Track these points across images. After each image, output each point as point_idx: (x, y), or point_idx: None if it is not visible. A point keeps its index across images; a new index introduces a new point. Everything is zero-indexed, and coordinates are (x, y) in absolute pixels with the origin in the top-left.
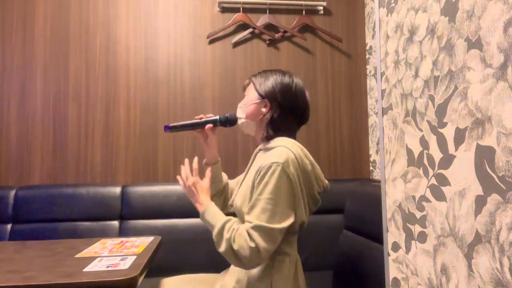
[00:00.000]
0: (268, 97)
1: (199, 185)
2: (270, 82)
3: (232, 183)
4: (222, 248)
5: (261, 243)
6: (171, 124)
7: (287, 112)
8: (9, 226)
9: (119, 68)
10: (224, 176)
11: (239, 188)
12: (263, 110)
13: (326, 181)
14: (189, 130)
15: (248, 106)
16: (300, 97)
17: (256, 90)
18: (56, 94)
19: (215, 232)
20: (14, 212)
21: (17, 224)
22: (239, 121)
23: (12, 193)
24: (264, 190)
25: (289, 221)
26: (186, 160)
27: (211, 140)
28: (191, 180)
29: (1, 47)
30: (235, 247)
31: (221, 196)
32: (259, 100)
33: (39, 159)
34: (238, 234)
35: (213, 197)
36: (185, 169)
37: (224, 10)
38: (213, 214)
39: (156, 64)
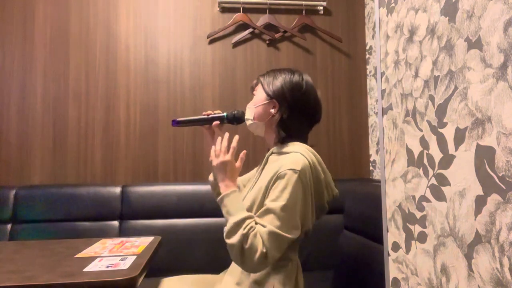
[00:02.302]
0: (277, 97)
1: (232, 166)
2: (279, 81)
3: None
4: (232, 241)
5: (271, 250)
6: (178, 119)
7: (297, 113)
8: (9, 226)
9: (119, 68)
10: None
11: (250, 191)
12: (272, 111)
13: (336, 190)
14: (196, 126)
15: (256, 107)
16: (311, 96)
17: (264, 90)
18: (56, 94)
19: (232, 222)
20: (14, 212)
21: (17, 224)
22: (248, 122)
23: (12, 193)
24: (280, 197)
25: (299, 232)
26: (227, 134)
27: (217, 136)
28: (227, 157)
29: (1, 47)
30: (246, 246)
31: None
32: (267, 101)
33: (39, 159)
34: (253, 234)
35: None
36: (223, 142)
37: (224, 10)
38: (235, 203)
39: (156, 64)
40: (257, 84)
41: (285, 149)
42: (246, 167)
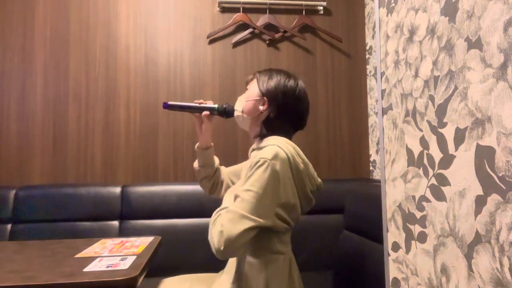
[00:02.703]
0: (269, 96)
1: None
2: (273, 81)
3: (224, 170)
4: (209, 230)
5: (227, 227)
6: (170, 102)
7: (284, 115)
8: (9, 226)
9: (119, 68)
10: (216, 161)
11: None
12: (261, 107)
13: (319, 180)
14: (186, 112)
15: (247, 101)
16: (302, 103)
17: (258, 86)
18: (56, 94)
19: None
20: (14, 212)
21: (17, 224)
22: (235, 113)
23: (12, 193)
24: (246, 182)
25: (262, 220)
26: None
27: (206, 126)
28: None
29: (1, 47)
30: (213, 230)
31: (210, 180)
32: (258, 97)
33: (39, 159)
34: (217, 217)
35: (202, 181)
36: None
37: (224, 10)
38: (224, 201)
39: (156, 64)
40: (253, 79)
41: (263, 144)
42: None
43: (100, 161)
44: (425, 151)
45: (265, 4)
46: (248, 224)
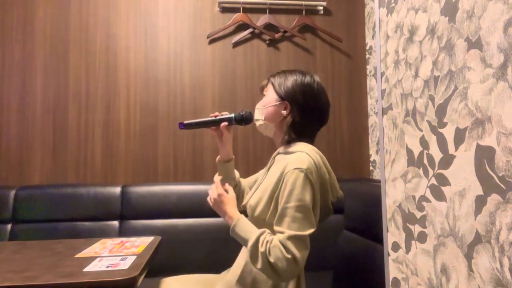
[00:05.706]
0: (288, 98)
1: (224, 197)
2: (290, 82)
3: (244, 181)
4: (259, 264)
5: (297, 252)
6: (186, 122)
7: (308, 114)
8: (9, 226)
9: (119, 68)
10: (237, 174)
11: (256, 190)
12: (283, 112)
13: (341, 192)
14: (203, 128)
15: (267, 107)
16: (322, 97)
17: (276, 91)
18: (56, 94)
19: (249, 247)
20: (14, 212)
21: (17, 224)
22: (257, 123)
23: (12, 193)
24: (290, 198)
25: (314, 227)
26: (216, 178)
27: (226, 137)
28: (215, 193)
29: (1, 47)
30: (272, 259)
31: None
32: (278, 102)
33: (39, 159)
34: (272, 246)
35: None
36: (211, 187)
37: (224, 10)
38: (245, 228)
39: (156, 64)
40: (267, 84)
41: (291, 149)
42: (247, 168)
43: (100, 161)
44: (425, 151)
45: (265, 4)
46: (308, 242)
